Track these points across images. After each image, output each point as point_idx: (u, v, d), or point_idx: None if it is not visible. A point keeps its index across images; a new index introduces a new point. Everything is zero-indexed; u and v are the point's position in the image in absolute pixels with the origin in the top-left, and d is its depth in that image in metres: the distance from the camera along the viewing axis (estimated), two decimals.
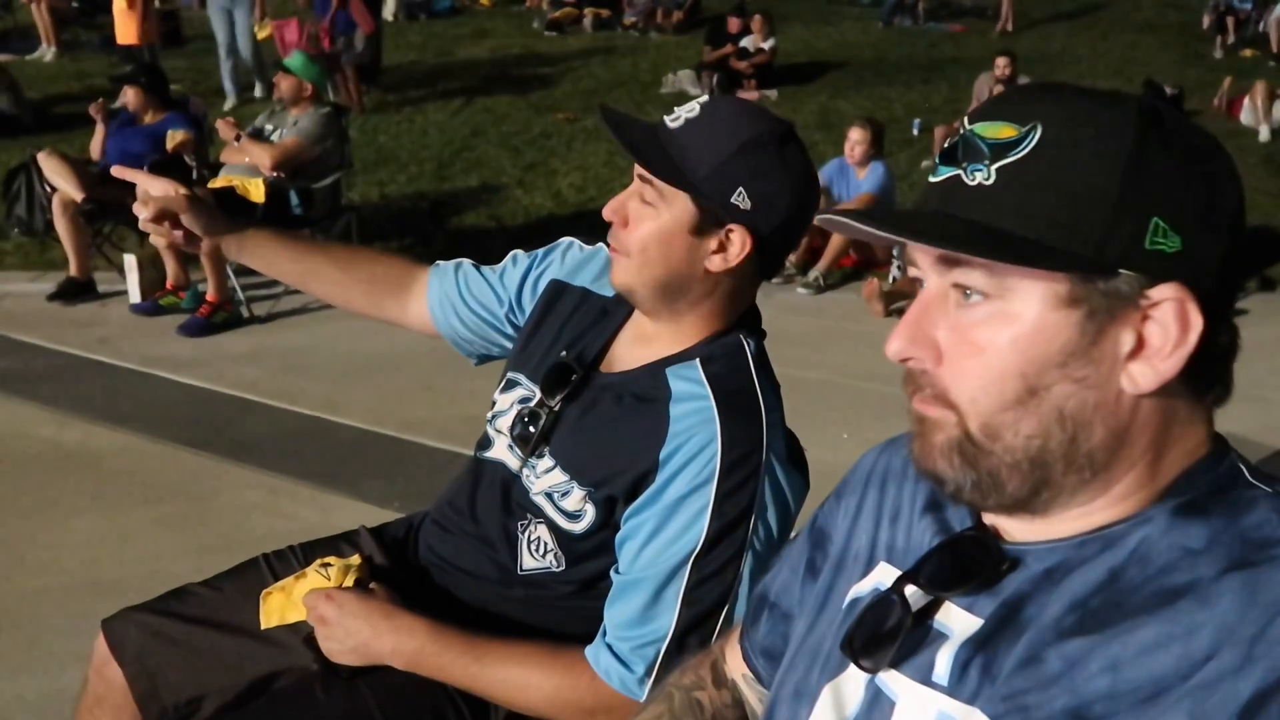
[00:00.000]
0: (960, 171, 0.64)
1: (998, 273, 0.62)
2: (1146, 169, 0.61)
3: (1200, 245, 0.62)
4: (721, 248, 1.13)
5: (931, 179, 0.67)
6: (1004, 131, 0.63)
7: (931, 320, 0.66)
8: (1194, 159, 0.63)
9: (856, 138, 5.62)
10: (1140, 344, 0.62)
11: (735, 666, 0.94)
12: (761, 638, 0.90)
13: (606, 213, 1.16)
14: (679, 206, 1.11)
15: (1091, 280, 0.61)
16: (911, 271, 0.69)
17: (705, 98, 1.18)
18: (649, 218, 1.13)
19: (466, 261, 1.42)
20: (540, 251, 1.37)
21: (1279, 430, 3.32)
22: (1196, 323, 0.61)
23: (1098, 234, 0.61)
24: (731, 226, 1.11)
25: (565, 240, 1.37)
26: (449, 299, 1.39)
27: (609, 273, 1.20)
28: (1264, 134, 7.80)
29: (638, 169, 1.14)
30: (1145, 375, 0.62)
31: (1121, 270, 0.61)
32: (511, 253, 1.40)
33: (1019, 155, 0.62)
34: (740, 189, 1.10)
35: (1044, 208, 0.61)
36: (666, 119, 1.14)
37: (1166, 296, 0.61)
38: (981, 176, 0.63)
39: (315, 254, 1.48)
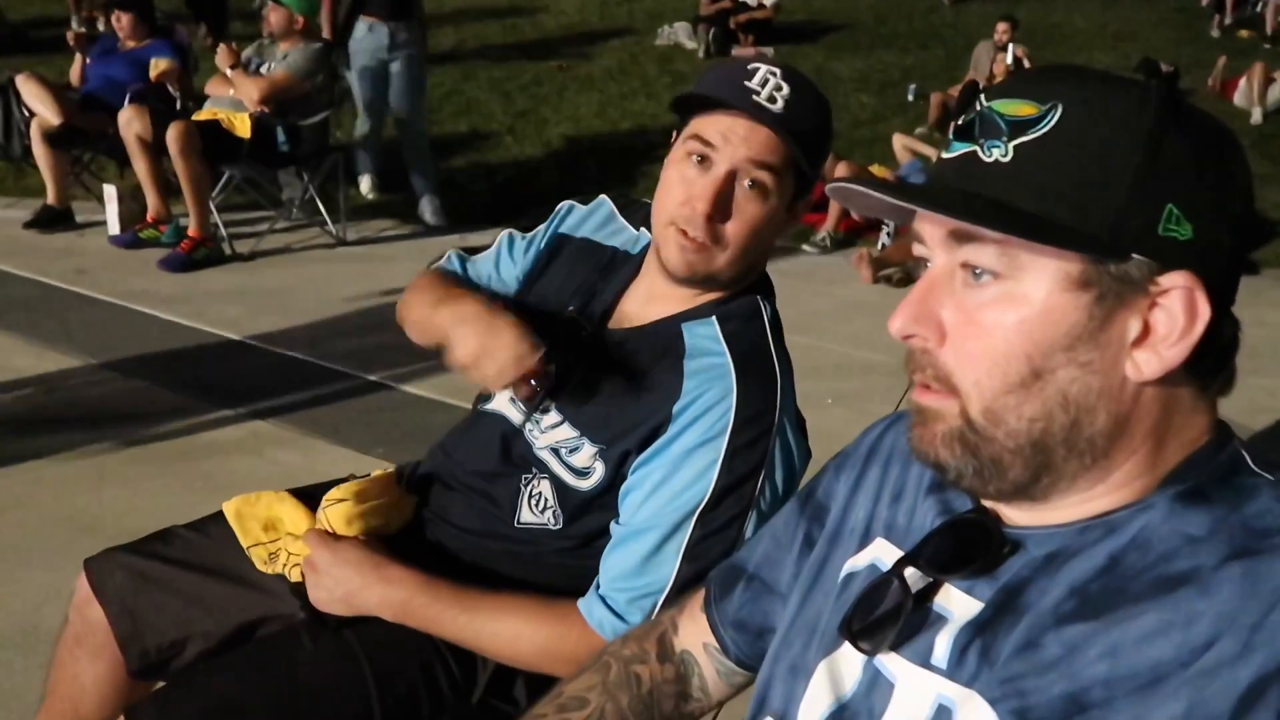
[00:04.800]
0: (976, 148, 0.64)
1: (1009, 251, 0.62)
2: (1164, 155, 0.61)
3: (1211, 235, 0.62)
4: (795, 216, 1.17)
5: (945, 154, 0.67)
6: (1023, 109, 0.62)
7: (937, 299, 0.66)
8: (1209, 148, 0.63)
9: None
10: (1146, 331, 0.62)
11: (692, 636, 0.92)
12: (735, 609, 0.89)
13: (704, 207, 1.08)
14: (787, 185, 1.11)
15: (1103, 263, 0.61)
16: (917, 250, 0.69)
17: (779, 72, 1.09)
18: (756, 204, 1.10)
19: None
20: (540, 228, 1.35)
21: (1262, 411, 3.36)
22: (1204, 312, 0.61)
23: (1112, 217, 0.60)
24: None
25: (563, 205, 1.35)
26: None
27: (671, 254, 1.12)
28: (1256, 116, 7.77)
29: (709, 141, 1.08)
30: (1150, 363, 0.62)
31: (1133, 255, 0.61)
32: (506, 233, 1.37)
33: (1038, 134, 0.62)
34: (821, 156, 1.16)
35: (1060, 187, 0.61)
36: (760, 100, 1.07)
37: (1176, 284, 0.61)
38: (999, 153, 0.63)
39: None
